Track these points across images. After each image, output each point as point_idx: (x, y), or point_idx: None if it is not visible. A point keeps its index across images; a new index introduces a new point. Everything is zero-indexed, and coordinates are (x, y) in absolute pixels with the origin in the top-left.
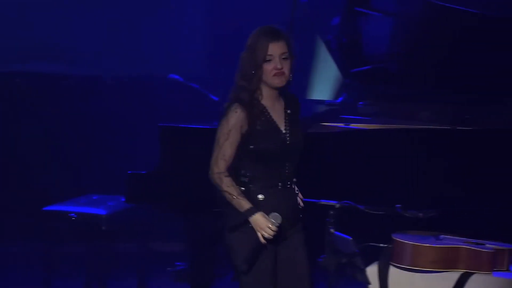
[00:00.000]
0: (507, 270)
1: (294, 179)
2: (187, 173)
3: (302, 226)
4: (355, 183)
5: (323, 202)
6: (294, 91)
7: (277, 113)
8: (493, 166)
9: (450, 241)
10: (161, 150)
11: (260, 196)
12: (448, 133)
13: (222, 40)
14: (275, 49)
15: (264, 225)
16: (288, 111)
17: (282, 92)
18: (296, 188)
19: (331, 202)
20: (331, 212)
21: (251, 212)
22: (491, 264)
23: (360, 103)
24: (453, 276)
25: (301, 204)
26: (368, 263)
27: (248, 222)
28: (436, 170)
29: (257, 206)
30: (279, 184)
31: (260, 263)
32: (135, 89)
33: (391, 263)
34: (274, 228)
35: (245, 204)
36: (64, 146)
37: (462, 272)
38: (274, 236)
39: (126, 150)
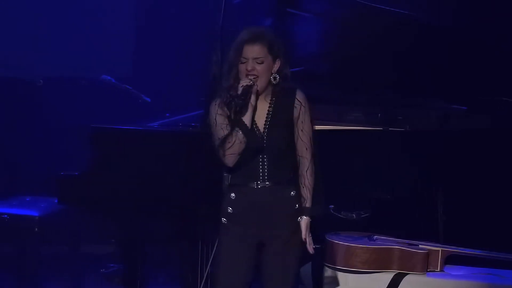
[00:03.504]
0: (441, 270)
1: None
2: (120, 174)
3: (292, 232)
4: None
5: None
6: None
7: (259, 112)
8: (426, 167)
9: (383, 242)
10: (94, 152)
11: (232, 195)
12: (380, 134)
13: (152, 41)
14: (249, 52)
15: None
16: (270, 109)
17: (277, 88)
18: (292, 192)
19: None
20: None
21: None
22: (425, 265)
23: None
24: (387, 277)
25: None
26: (302, 264)
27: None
28: (369, 171)
29: (228, 205)
30: (255, 183)
31: (231, 265)
32: (68, 90)
33: (325, 263)
34: None
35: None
36: None
37: (395, 273)
38: (246, 240)
39: (60, 151)
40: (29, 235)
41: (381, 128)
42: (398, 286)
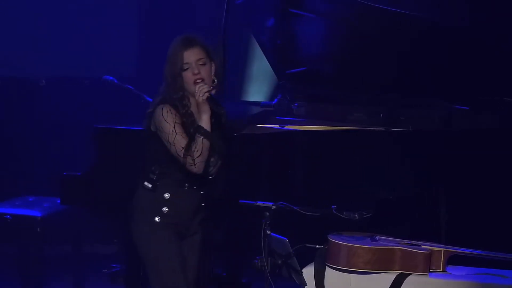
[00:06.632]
0: (443, 271)
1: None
2: (122, 175)
3: (203, 229)
4: (290, 184)
5: (259, 203)
6: (229, 93)
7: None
8: (428, 166)
9: (385, 242)
10: (96, 152)
11: (166, 195)
12: (383, 134)
13: (154, 41)
14: (190, 56)
15: None
16: (212, 119)
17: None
18: (202, 191)
19: (267, 204)
20: (267, 213)
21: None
22: (427, 265)
23: (295, 104)
24: (389, 277)
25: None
26: (304, 264)
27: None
28: (371, 171)
29: (163, 204)
30: (186, 185)
31: (167, 255)
32: (70, 90)
33: (327, 264)
34: None
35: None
36: None
37: (398, 273)
38: (178, 237)
39: (62, 151)
40: (31, 235)
41: (383, 129)
42: (400, 286)
